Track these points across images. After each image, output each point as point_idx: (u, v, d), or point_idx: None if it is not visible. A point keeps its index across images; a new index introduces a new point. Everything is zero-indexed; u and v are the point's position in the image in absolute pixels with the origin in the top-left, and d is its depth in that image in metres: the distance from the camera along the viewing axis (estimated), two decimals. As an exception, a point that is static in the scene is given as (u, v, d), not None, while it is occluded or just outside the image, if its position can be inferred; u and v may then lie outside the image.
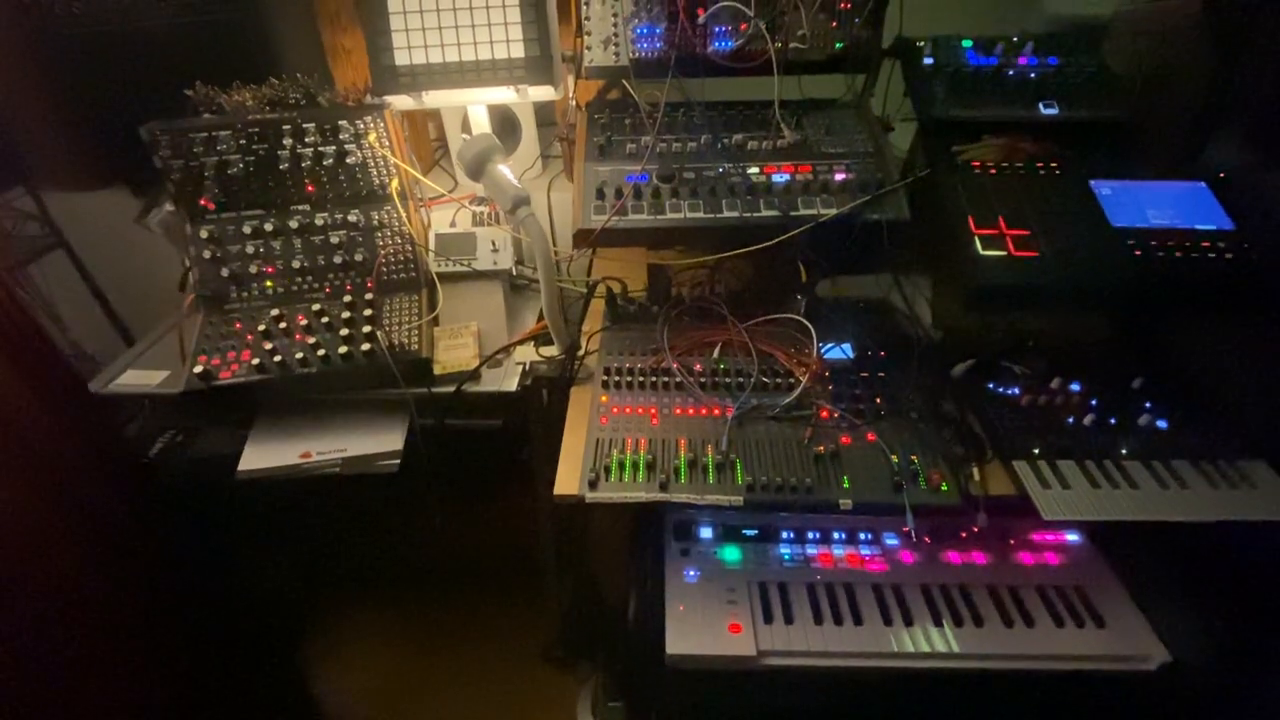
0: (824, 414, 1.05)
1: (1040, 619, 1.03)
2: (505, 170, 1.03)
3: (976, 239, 1.06)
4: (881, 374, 1.13)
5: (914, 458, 0.99)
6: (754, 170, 1.17)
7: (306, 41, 1.51)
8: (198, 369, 1.08)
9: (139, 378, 1.20)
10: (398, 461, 1.13)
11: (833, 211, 1.11)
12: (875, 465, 0.98)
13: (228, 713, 1.37)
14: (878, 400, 1.08)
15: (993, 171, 1.16)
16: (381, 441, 1.16)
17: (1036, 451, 1.01)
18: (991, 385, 1.11)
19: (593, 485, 0.96)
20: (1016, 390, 1.10)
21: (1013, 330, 1.21)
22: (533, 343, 1.24)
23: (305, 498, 1.24)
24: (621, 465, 0.98)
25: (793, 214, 1.12)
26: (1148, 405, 1.06)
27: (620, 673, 1.65)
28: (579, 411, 1.12)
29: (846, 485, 0.95)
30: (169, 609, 1.22)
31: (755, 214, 1.12)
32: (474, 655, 1.74)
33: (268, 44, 1.53)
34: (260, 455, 1.13)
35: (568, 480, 0.99)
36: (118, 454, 1.19)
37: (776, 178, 1.16)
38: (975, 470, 1.00)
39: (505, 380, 1.19)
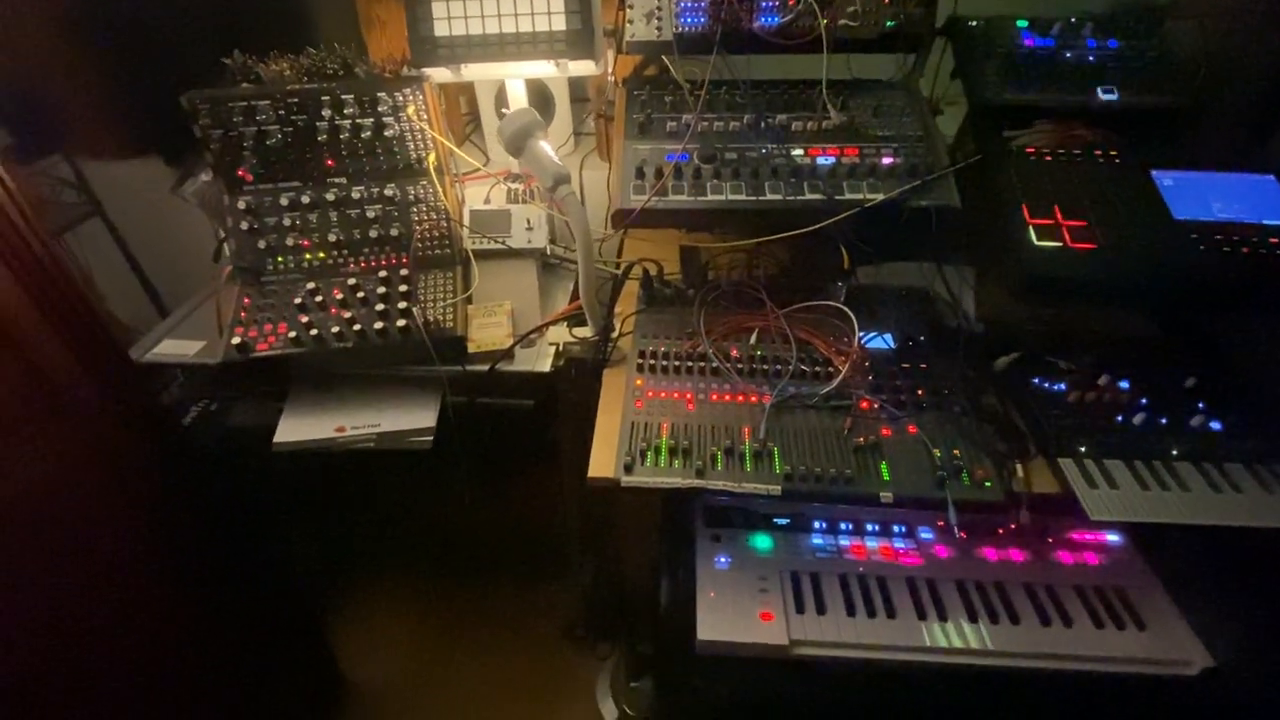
0: (864, 404, 1.03)
1: (1078, 619, 1.01)
2: (546, 147, 1.01)
3: (1030, 229, 1.02)
4: (923, 365, 1.10)
5: (956, 452, 0.97)
6: (798, 152, 1.14)
7: (342, 11, 1.50)
8: (235, 340, 1.08)
9: (176, 347, 1.21)
10: (431, 438, 1.13)
11: (879, 196, 1.08)
12: (916, 458, 0.96)
13: (252, 680, 1.39)
14: (919, 392, 1.05)
15: (1048, 158, 1.12)
16: (415, 418, 1.16)
17: (1083, 449, 0.98)
18: (1037, 380, 1.08)
19: (628, 469, 0.95)
20: (1063, 386, 1.07)
21: (1060, 323, 1.17)
22: (566, 323, 1.22)
23: (337, 470, 1.25)
24: (657, 450, 0.97)
25: (837, 198, 1.09)
26: (1200, 405, 1.02)
27: (645, 655, 1.66)
28: (613, 394, 1.11)
29: (886, 477, 0.94)
30: (200, 577, 1.24)
31: (799, 197, 1.09)
32: (496, 631, 1.76)
33: (304, 13, 1.52)
34: (295, 428, 1.13)
35: (602, 463, 0.99)
36: (155, 422, 1.20)
37: (821, 160, 1.13)
38: (1019, 467, 0.97)
39: (538, 361, 1.18)
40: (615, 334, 1.18)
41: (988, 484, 0.94)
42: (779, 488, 0.92)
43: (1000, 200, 1.09)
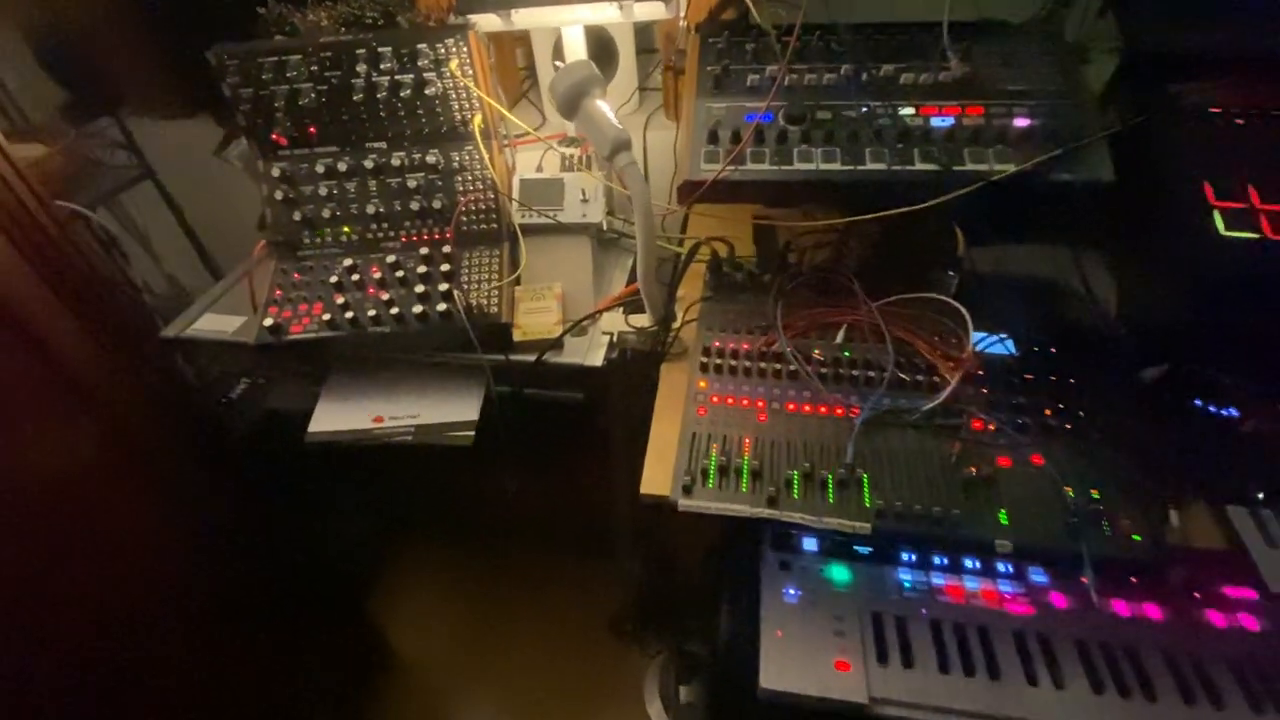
0: (976, 425, 0.85)
1: (1232, 700, 0.82)
2: (604, 107, 0.86)
3: (1216, 214, 0.80)
4: (1052, 377, 0.91)
5: (1094, 493, 0.78)
6: (908, 111, 0.94)
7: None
8: (268, 322, 1.00)
9: (215, 323, 1.15)
10: (472, 434, 1.04)
11: (1010, 168, 0.87)
12: (1043, 497, 0.78)
13: (291, 663, 1.38)
14: (1046, 412, 0.86)
15: (1239, 122, 0.87)
16: (456, 409, 1.06)
17: (1260, 496, 0.78)
18: (1199, 402, 0.87)
19: (686, 491, 0.82)
20: (1234, 411, 0.86)
21: (1232, 329, 0.95)
22: (621, 308, 1.08)
23: (379, 453, 1.18)
24: (722, 469, 0.83)
25: (956, 169, 0.89)
26: None
27: (695, 656, 1.57)
28: (671, 395, 0.97)
29: (1005, 521, 0.77)
30: (239, 564, 1.21)
31: (907, 167, 0.90)
32: (540, 622, 1.70)
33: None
34: (331, 417, 1.06)
35: (656, 479, 0.86)
36: (193, 400, 1.16)
37: (937, 121, 0.92)
38: (1173, 513, 0.78)
39: (590, 352, 1.05)
40: (677, 324, 1.03)
41: (1135, 537, 0.75)
42: (868, 525, 0.77)
43: (1169, 175, 0.87)
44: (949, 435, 0.84)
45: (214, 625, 1.19)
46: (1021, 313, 0.97)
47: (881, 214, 0.91)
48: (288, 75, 1.01)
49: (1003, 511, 0.77)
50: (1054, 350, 0.93)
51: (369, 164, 1.07)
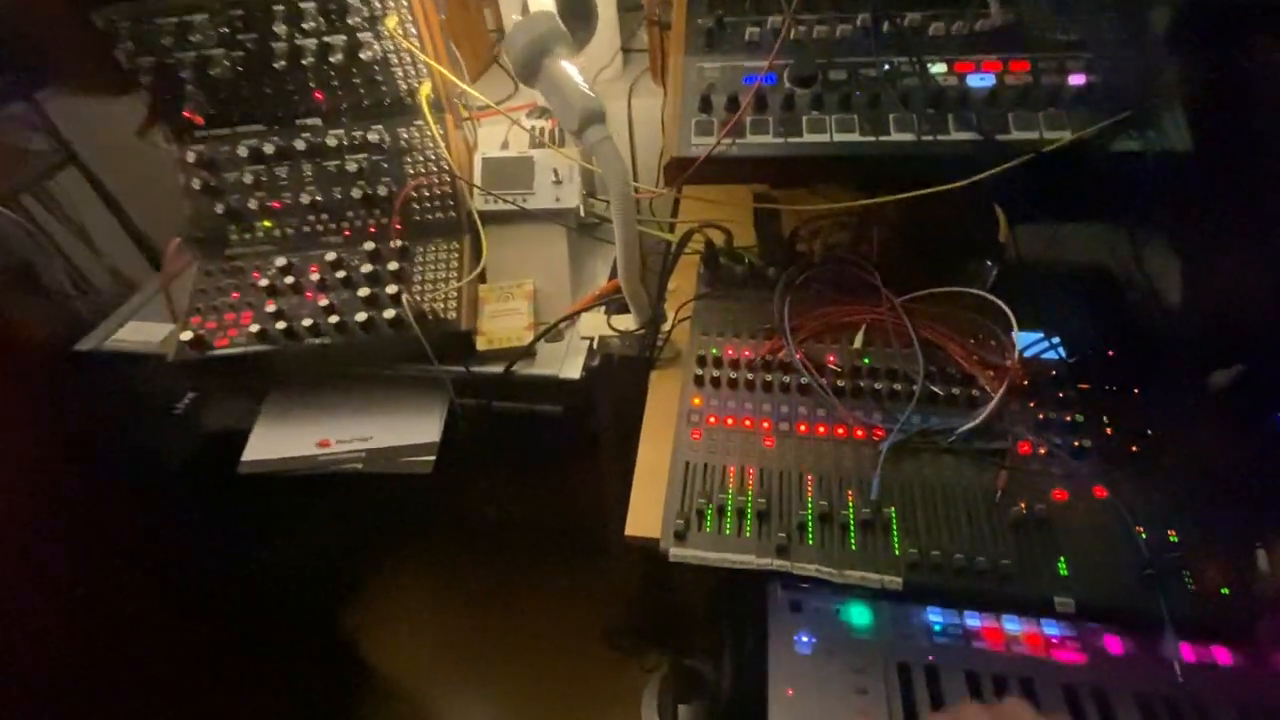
0: (1024, 449, 0.71)
1: (1323, 763, 0.70)
2: (571, 69, 0.69)
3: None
4: (1110, 386, 0.76)
5: (1172, 534, 0.65)
6: (940, 69, 0.78)
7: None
8: (186, 335, 0.85)
9: (140, 333, 1.01)
10: (432, 459, 0.90)
11: (1065, 136, 0.72)
12: (1110, 541, 0.65)
13: (260, 686, 1.26)
14: (1108, 431, 0.72)
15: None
16: (414, 429, 0.92)
17: (1370, 531, 0.64)
18: (1285, 414, 0.73)
19: (679, 537, 0.68)
20: (1328, 425, 0.72)
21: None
22: (603, 308, 0.94)
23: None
24: (721, 509, 0.69)
25: (1000, 138, 0.73)
26: None
27: (696, 672, 1.46)
28: (661, 410, 0.83)
29: (1064, 572, 0.63)
30: (190, 594, 1.09)
31: (941, 137, 0.74)
32: (528, 635, 1.59)
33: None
34: (269, 442, 0.92)
35: (644, 517, 0.73)
36: (130, 415, 1.02)
37: (975, 80, 0.76)
38: (1263, 555, 0.65)
39: (568, 360, 0.91)
40: (667, 325, 0.89)
41: (1224, 590, 0.62)
42: (899, 580, 0.64)
43: (1256, 144, 0.71)
44: (992, 462, 0.70)
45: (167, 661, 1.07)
46: (1071, 309, 0.82)
47: (909, 195, 0.76)
48: (192, 39, 0.84)
49: (1061, 560, 0.64)
50: (1111, 353, 0.79)
51: (300, 145, 0.91)
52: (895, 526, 0.66)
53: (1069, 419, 0.73)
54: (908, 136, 0.75)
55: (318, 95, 0.89)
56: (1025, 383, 0.76)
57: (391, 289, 0.87)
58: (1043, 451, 0.71)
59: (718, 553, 0.67)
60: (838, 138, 0.76)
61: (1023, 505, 0.67)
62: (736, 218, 0.97)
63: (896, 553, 0.65)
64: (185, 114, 0.90)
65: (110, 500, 0.94)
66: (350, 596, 1.59)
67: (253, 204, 0.92)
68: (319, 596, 1.45)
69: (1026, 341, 0.79)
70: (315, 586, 1.43)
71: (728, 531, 0.68)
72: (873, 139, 0.75)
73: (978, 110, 0.75)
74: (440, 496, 0.93)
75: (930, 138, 0.74)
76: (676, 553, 0.67)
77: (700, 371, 0.81)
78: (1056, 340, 0.80)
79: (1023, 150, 0.72)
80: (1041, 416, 0.74)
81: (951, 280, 0.84)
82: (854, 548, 0.66)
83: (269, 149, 0.91)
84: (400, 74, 0.89)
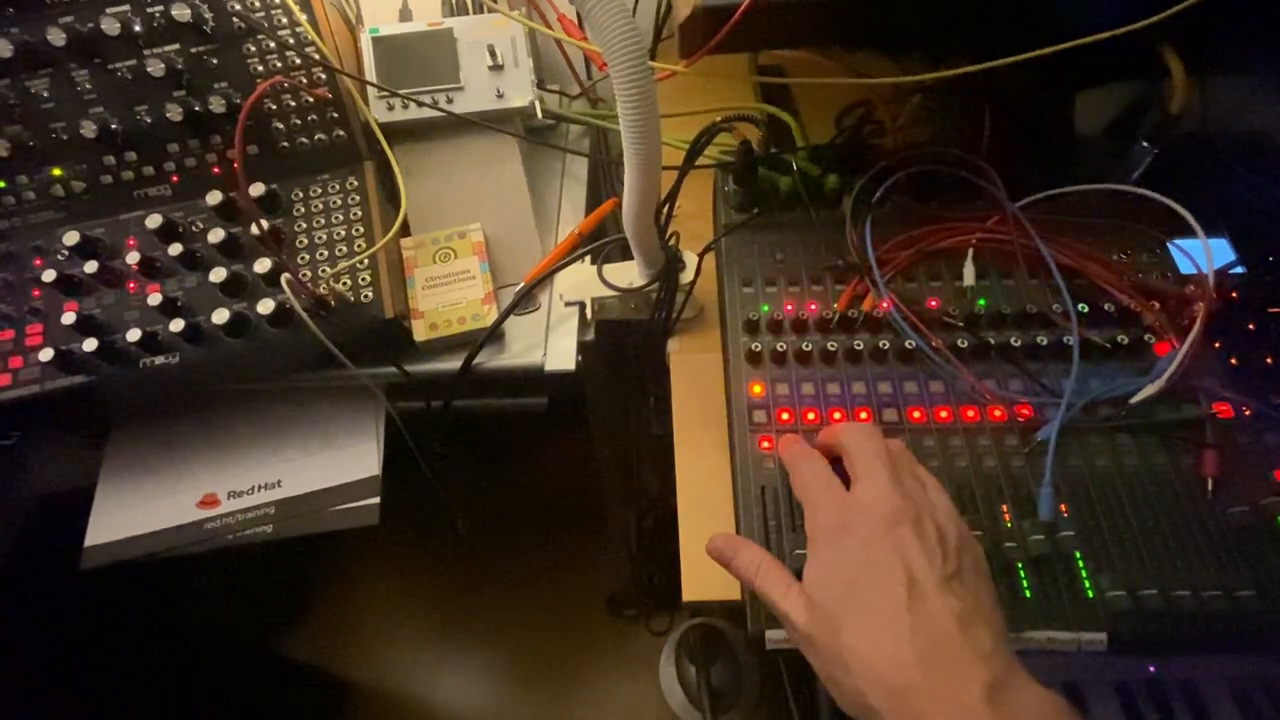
0: (1223, 411, 0.51)
1: None
2: None
3: None
4: (1310, 307, 0.56)
5: None
6: None
7: None
8: (-68, 378, 0.52)
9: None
10: (375, 502, 0.63)
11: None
12: (1367, 539, 0.47)
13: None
14: (1324, 373, 0.53)
15: None
16: (342, 462, 0.64)
17: None
18: None
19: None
20: None
21: None
22: (587, 255, 0.65)
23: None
24: (829, 560, 0.47)
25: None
26: None
27: (718, 631, 1.33)
28: (693, 395, 0.60)
29: (1316, 593, 0.45)
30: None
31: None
32: (522, 608, 1.40)
33: None
34: (122, 513, 0.61)
35: (705, 568, 0.50)
36: None
37: None
38: None
39: (552, 341, 0.63)
40: (688, 275, 0.62)
41: None
42: (1103, 637, 0.44)
43: None
44: (1189, 440, 0.50)
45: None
46: (1242, 197, 0.60)
47: (1048, 51, 0.49)
48: None
49: (1316, 578, 0.45)
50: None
51: (58, 38, 0.54)
52: (1080, 562, 0.46)
53: (1270, 361, 0.53)
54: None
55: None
56: (1205, 315, 0.54)
57: (263, 265, 0.55)
58: (1248, 413, 0.51)
59: (835, 630, 0.45)
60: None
61: (1244, 500, 0.47)
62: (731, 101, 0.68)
63: (1090, 594, 0.45)
64: None
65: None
66: (303, 621, 1.34)
67: (2, 147, 0.56)
68: (257, 633, 1.19)
69: (1185, 255, 0.57)
70: (251, 625, 1.17)
71: (842, 591, 0.46)
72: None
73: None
74: (388, 518, 0.68)
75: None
76: (777, 636, 0.45)
77: (754, 345, 0.56)
78: (1228, 248, 0.58)
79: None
80: (1234, 362, 0.53)
81: (1080, 176, 0.59)
82: (1028, 594, 0.45)
83: (5, 49, 0.54)
84: (204, -108, 0.52)
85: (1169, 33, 0.54)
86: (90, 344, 0.53)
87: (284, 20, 0.58)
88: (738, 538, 0.45)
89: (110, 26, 0.55)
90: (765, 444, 0.52)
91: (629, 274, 0.63)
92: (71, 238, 0.56)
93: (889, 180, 0.59)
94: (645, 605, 1.38)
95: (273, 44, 0.58)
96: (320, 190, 0.60)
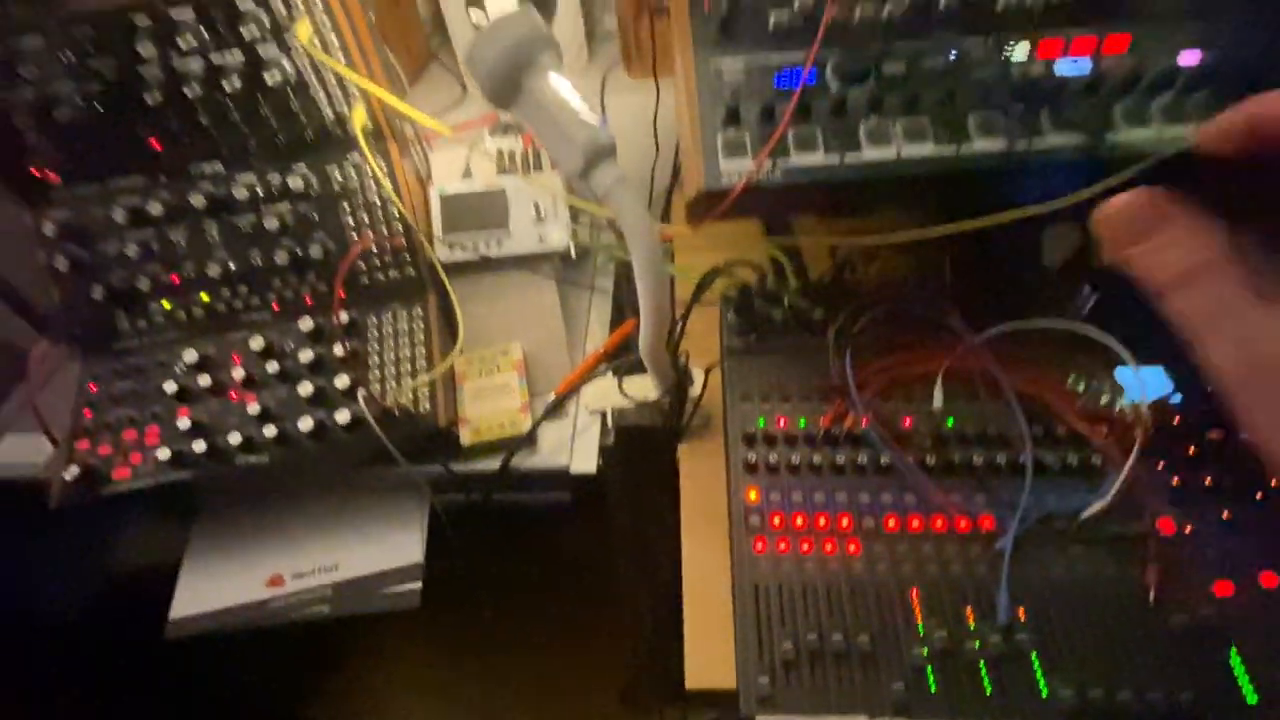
0: (1166, 527, 0.58)
1: None
2: (563, 87, 0.50)
3: None
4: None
5: (1367, 627, 0.52)
6: (1021, 52, 0.61)
7: None
8: (73, 471, 0.64)
9: (19, 452, 0.78)
10: (418, 587, 0.71)
11: (1180, 132, 0.57)
12: (1298, 647, 0.52)
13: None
14: (1258, 495, 0.59)
15: None
16: (390, 549, 0.74)
17: None
18: None
19: (765, 702, 0.52)
20: None
21: None
22: (609, 370, 0.76)
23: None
24: (815, 655, 0.54)
25: (1110, 137, 0.58)
26: None
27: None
28: (701, 496, 0.68)
29: (1252, 698, 0.50)
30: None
31: (1035, 143, 0.59)
32: (539, 696, 1.43)
33: None
34: (203, 589, 0.71)
35: (707, 657, 0.57)
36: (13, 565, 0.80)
37: (1066, 66, 0.60)
38: None
39: (578, 445, 0.73)
40: (696, 390, 0.72)
41: None
42: (1056, 735, 0.50)
43: None
44: (1134, 553, 0.56)
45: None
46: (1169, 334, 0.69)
47: (998, 219, 0.60)
48: (25, 73, 0.61)
49: (1247, 683, 0.51)
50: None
51: (198, 200, 0.69)
52: (1035, 657, 0.52)
53: (1209, 482, 0.60)
54: (995, 144, 0.59)
55: (213, 134, 0.67)
56: (1149, 439, 0.62)
57: (342, 381, 0.67)
58: (1188, 530, 0.58)
59: (820, 717, 0.52)
60: (907, 151, 0.59)
61: (1182, 609, 0.53)
62: (747, 249, 0.81)
63: (1044, 694, 0.51)
64: (33, 172, 0.67)
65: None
66: (324, 689, 1.39)
67: (143, 282, 0.70)
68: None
69: (1130, 383, 0.65)
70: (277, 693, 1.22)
71: (824, 682, 0.53)
72: (952, 150, 0.59)
73: (1076, 104, 0.59)
74: (424, 617, 0.75)
75: (1024, 144, 0.59)
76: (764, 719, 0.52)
77: (750, 455, 0.65)
78: (1171, 378, 0.66)
79: (1135, 155, 0.57)
80: (1176, 481, 0.60)
81: (1034, 310, 0.69)
82: (989, 691, 0.51)
83: (155, 208, 0.69)
84: (323, 97, 0.68)
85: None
86: (199, 445, 0.65)
87: (371, 184, 0.72)
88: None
89: (240, 192, 0.70)
90: (759, 545, 0.60)
91: (645, 387, 0.74)
92: (190, 355, 0.69)
93: (866, 314, 0.69)
94: (659, 698, 1.40)
95: (364, 202, 0.72)
96: (391, 317, 0.73)
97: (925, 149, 0.59)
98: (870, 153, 0.59)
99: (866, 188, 0.60)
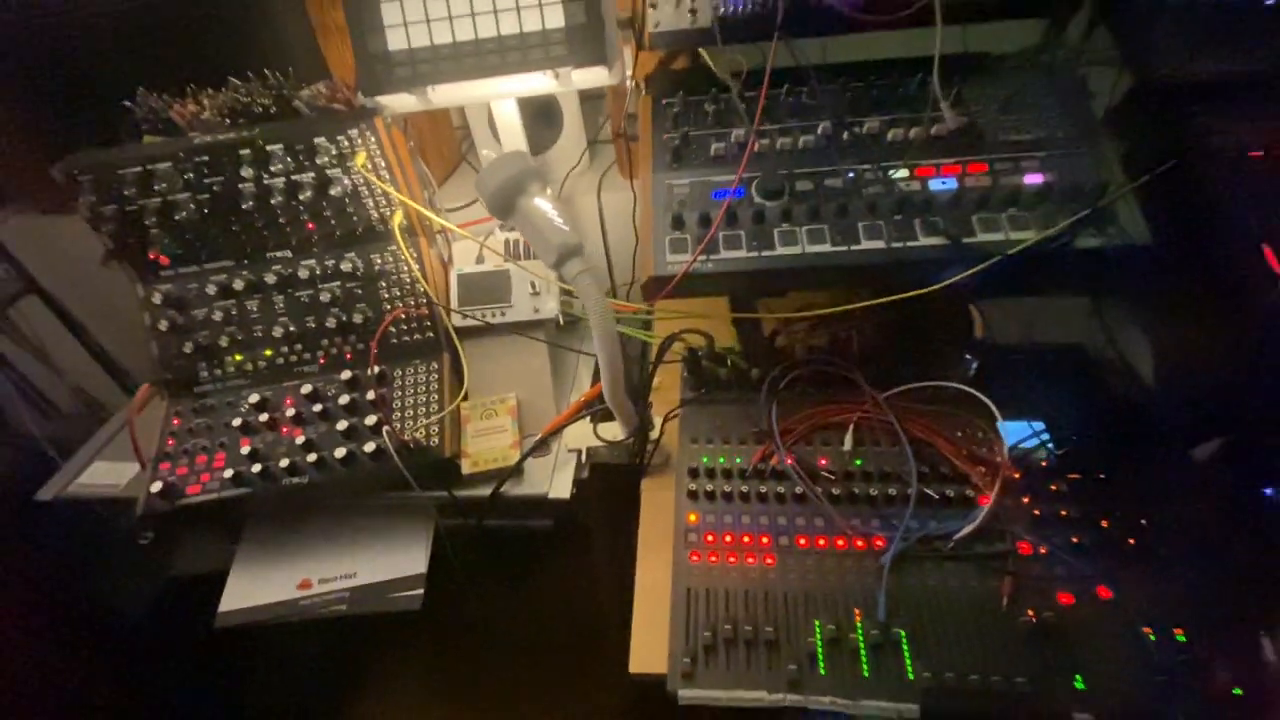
0: (1025, 549, 0.71)
1: None
2: (545, 206, 0.70)
3: (1283, 282, 0.67)
4: (1100, 475, 0.77)
5: (1179, 632, 0.64)
6: (902, 175, 0.80)
7: (292, 19, 1.19)
8: (156, 486, 0.82)
9: (105, 475, 0.96)
10: (420, 592, 0.86)
11: (1029, 236, 0.74)
12: (1121, 645, 0.64)
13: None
14: (1103, 524, 0.73)
15: (1285, 163, 0.75)
16: (399, 561, 0.89)
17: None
18: (1271, 491, 0.74)
19: (688, 678, 0.66)
20: (1314, 497, 0.73)
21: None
22: (588, 417, 0.93)
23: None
24: (729, 641, 0.67)
25: (967, 241, 0.75)
26: None
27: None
28: (656, 522, 0.82)
29: (1080, 685, 0.62)
30: None
31: (909, 244, 0.76)
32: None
33: (244, 26, 1.22)
34: (246, 588, 0.87)
35: (649, 649, 0.70)
36: (94, 564, 0.96)
37: (937, 185, 0.79)
38: (1265, 641, 0.65)
39: (556, 477, 0.89)
40: (655, 433, 0.88)
41: (1236, 691, 0.61)
42: (915, 708, 0.62)
43: (1218, 232, 0.74)
44: (995, 568, 0.70)
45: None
46: (1053, 395, 0.84)
47: (882, 300, 0.77)
48: (156, 187, 0.83)
49: (1077, 673, 0.63)
50: (1095, 439, 0.80)
51: (271, 278, 0.90)
52: (906, 647, 0.65)
53: (1064, 514, 0.74)
54: (878, 244, 0.76)
55: (288, 229, 0.89)
56: (1017, 477, 0.76)
57: (371, 420, 0.85)
58: (1043, 551, 0.71)
59: (728, 690, 0.65)
60: (810, 249, 0.77)
61: (1031, 613, 0.66)
62: (712, 313, 0.98)
63: (910, 677, 0.63)
64: (150, 256, 0.88)
65: (76, 660, 0.88)
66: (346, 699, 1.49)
67: (223, 340, 0.90)
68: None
69: (1012, 433, 0.80)
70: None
71: (736, 665, 0.66)
72: (844, 249, 0.77)
73: (943, 215, 0.77)
74: (426, 620, 0.88)
75: (900, 244, 0.76)
76: (686, 694, 0.65)
77: (693, 485, 0.80)
78: (1042, 430, 0.80)
79: (989, 253, 0.74)
80: (1037, 513, 0.74)
81: (933, 373, 0.85)
82: (866, 674, 0.64)
83: (239, 284, 0.89)
84: (371, 204, 0.89)
85: (968, 291, 0.82)
86: (256, 467, 0.82)
87: (404, 268, 0.92)
88: None
89: (303, 273, 0.90)
90: (695, 557, 0.74)
91: (615, 430, 0.90)
92: (254, 398, 0.88)
93: (790, 374, 0.86)
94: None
95: (398, 280, 0.92)
96: (413, 370, 0.91)
97: (824, 248, 0.77)
98: (782, 250, 0.77)
99: (779, 276, 0.78)
